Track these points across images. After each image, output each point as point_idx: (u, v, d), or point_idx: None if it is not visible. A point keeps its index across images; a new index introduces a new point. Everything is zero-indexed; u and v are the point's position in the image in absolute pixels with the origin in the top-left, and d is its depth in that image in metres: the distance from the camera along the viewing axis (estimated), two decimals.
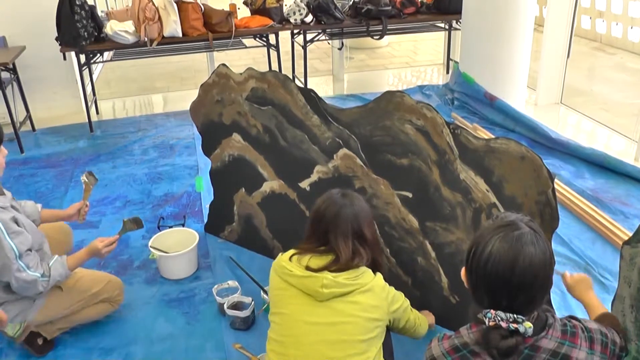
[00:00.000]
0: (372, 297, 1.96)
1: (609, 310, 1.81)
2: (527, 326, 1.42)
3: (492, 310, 1.45)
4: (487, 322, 1.44)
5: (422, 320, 2.26)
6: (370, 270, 2.01)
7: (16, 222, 2.34)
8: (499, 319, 1.43)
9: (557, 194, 2.05)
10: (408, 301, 2.16)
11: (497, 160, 2.15)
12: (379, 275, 2.03)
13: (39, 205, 2.75)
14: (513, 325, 1.42)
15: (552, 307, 2.10)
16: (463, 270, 1.56)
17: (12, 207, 2.41)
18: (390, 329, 2.15)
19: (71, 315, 2.66)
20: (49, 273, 2.42)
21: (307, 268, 1.95)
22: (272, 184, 3.07)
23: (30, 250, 2.38)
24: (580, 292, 1.95)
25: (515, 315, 1.43)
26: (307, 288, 1.94)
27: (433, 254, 2.55)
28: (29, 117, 5.30)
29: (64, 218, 2.89)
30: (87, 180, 2.89)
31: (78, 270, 2.64)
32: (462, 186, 2.30)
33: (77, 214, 2.87)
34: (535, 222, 1.55)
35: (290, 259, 2.01)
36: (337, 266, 1.95)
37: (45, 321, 2.60)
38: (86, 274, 2.71)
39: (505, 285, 1.43)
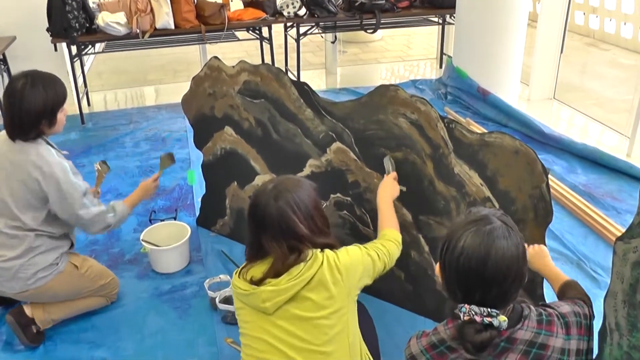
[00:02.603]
0: (325, 290, 1.82)
1: (605, 299, 1.82)
2: (502, 320, 1.44)
3: (466, 305, 1.46)
4: (462, 317, 1.46)
5: (391, 255, 2.07)
6: (317, 254, 1.86)
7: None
8: (473, 313, 1.44)
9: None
10: (369, 252, 1.99)
11: (492, 154, 2.14)
12: (326, 256, 1.86)
13: None
14: (487, 320, 1.44)
15: (545, 301, 2.10)
16: (437, 266, 1.58)
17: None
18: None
19: (71, 301, 2.70)
20: (114, 209, 2.67)
21: (251, 281, 1.85)
22: (264, 178, 3.05)
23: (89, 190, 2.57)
24: (537, 262, 1.94)
25: (489, 310, 1.45)
26: (253, 305, 1.86)
27: (426, 248, 2.54)
28: None
29: None
30: (100, 168, 3.00)
31: (89, 259, 2.78)
32: (456, 180, 2.29)
33: None
34: (508, 217, 1.56)
35: (239, 274, 1.92)
36: (275, 270, 1.83)
37: (53, 296, 2.62)
38: (96, 263, 2.80)
39: (478, 280, 1.45)
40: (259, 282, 1.84)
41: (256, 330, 1.88)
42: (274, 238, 1.84)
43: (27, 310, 2.61)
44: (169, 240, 3.12)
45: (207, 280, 2.94)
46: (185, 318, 2.81)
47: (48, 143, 2.52)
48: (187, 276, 3.11)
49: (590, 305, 1.66)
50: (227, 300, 2.81)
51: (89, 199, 2.54)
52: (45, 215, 2.48)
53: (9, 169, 2.42)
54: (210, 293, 2.85)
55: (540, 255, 1.95)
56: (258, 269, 1.87)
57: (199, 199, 3.58)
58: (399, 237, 2.18)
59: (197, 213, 3.59)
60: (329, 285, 1.83)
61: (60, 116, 2.51)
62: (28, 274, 2.47)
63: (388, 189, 2.36)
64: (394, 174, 2.41)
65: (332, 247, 1.93)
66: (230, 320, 2.72)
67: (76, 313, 2.76)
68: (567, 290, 1.78)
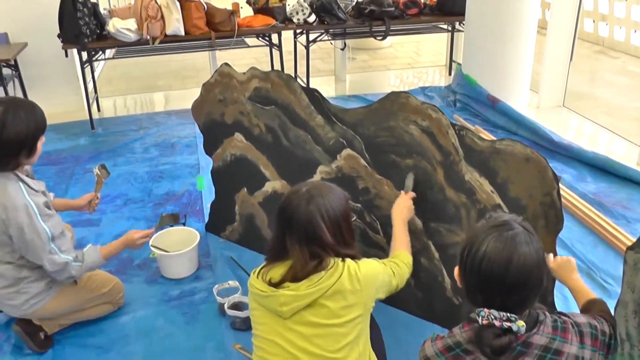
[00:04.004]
0: (342, 299, 1.81)
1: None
2: (520, 325, 1.45)
3: (485, 309, 1.47)
4: (480, 321, 1.46)
5: (402, 276, 2.10)
6: (338, 263, 1.85)
7: (48, 206, 2.37)
8: (493, 317, 1.45)
9: None
10: (387, 269, 2.02)
11: (502, 161, 2.14)
12: (347, 266, 1.85)
13: (52, 194, 2.76)
14: (506, 324, 1.45)
15: (556, 309, 2.09)
16: (456, 270, 1.58)
17: (43, 192, 2.45)
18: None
19: (76, 312, 2.69)
20: (82, 258, 2.47)
21: (270, 282, 1.84)
22: (274, 184, 3.06)
23: (62, 234, 2.42)
24: (564, 274, 1.93)
25: (508, 314, 1.45)
26: (270, 307, 1.84)
27: (437, 255, 2.54)
28: None
29: (75, 208, 2.91)
30: (99, 173, 2.92)
31: None
32: (466, 187, 2.29)
33: (88, 205, 2.88)
34: (528, 223, 1.56)
35: (258, 274, 1.91)
36: (293, 274, 1.82)
37: (54, 314, 2.61)
38: (97, 273, 2.75)
39: (500, 285, 1.46)
40: (277, 285, 1.83)
41: (270, 333, 1.87)
42: (297, 241, 1.84)
43: (34, 319, 2.62)
44: (178, 246, 3.13)
45: (216, 286, 2.94)
46: (194, 324, 2.81)
47: (20, 178, 2.34)
48: (196, 282, 3.11)
49: (611, 325, 1.63)
50: (236, 306, 2.81)
51: (58, 244, 2.37)
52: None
53: None
54: (219, 299, 2.85)
55: (568, 267, 1.94)
56: (277, 271, 1.87)
57: (208, 205, 3.59)
58: (411, 260, 2.21)
59: (206, 219, 3.59)
60: (347, 294, 1.82)
61: (39, 145, 2.38)
62: (21, 300, 2.46)
63: (404, 211, 2.36)
64: (411, 194, 2.40)
65: (354, 258, 1.92)
66: (238, 326, 2.72)
67: (82, 319, 2.77)
68: (592, 307, 1.76)
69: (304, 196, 1.86)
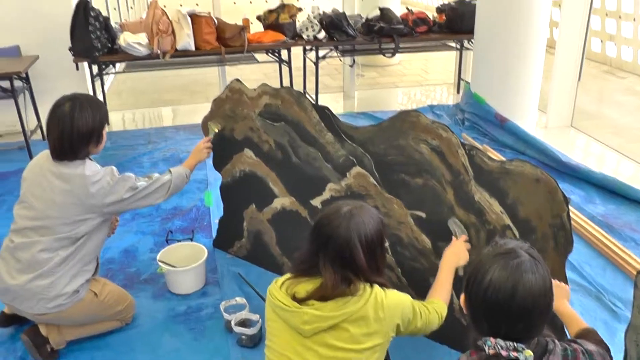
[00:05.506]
0: (365, 325, 1.79)
1: (625, 336, 1.79)
2: (528, 354, 1.42)
3: (491, 338, 1.45)
4: (487, 350, 1.44)
5: (430, 322, 2.01)
6: (366, 289, 1.82)
7: None
8: (499, 347, 1.43)
9: None
10: (414, 305, 1.95)
11: (512, 182, 2.14)
12: (374, 293, 1.83)
13: None
14: (513, 354, 1.42)
15: (566, 334, 2.08)
16: (462, 297, 1.57)
17: None
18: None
19: (85, 326, 2.72)
20: (169, 172, 2.81)
21: (294, 297, 1.81)
22: (283, 201, 3.06)
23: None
24: (555, 300, 1.91)
25: (515, 344, 1.43)
26: (290, 323, 1.81)
27: None
28: (39, 126, 5.30)
29: None
30: None
31: (109, 283, 2.78)
32: (476, 207, 2.29)
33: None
34: (535, 249, 1.55)
35: (281, 285, 1.87)
36: (321, 294, 1.78)
37: (70, 321, 2.65)
38: (115, 288, 2.80)
39: (505, 313, 1.44)
40: (301, 301, 1.80)
41: (285, 348, 1.84)
42: (331, 262, 1.80)
43: (42, 330, 2.62)
44: (186, 261, 3.12)
45: (223, 303, 2.93)
46: (200, 340, 2.80)
47: (92, 160, 2.62)
48: (203, 298, 3.10)
49: (610, 356, 1.63)
50: (243, 323, 2.80)
51: (142, 180, 2.68)
52: (93, 227, 2.56)
53: (56, 183, 2.47)
54: (226, 315, 2.84)
55: (560, 293, 1.90)
56: (303, 287, 1.83)
57: (216, 221, 3.58)
58: (445, 312, 2.10)
59: (214, 234, 3.59)
60: (370, 321, 1.80)
61: (104, 134, 2.62)
62: (50, 295, 2.48)
63: (457, 255, 2.27)
64: (464, 237, 2.34)
65: (382, 286, 1.89)
66: (245, 343, 2.71)
67: (89, 334, 2.77)
68: (587, 336, 1.74)
69: (345, 216, 1.82)
